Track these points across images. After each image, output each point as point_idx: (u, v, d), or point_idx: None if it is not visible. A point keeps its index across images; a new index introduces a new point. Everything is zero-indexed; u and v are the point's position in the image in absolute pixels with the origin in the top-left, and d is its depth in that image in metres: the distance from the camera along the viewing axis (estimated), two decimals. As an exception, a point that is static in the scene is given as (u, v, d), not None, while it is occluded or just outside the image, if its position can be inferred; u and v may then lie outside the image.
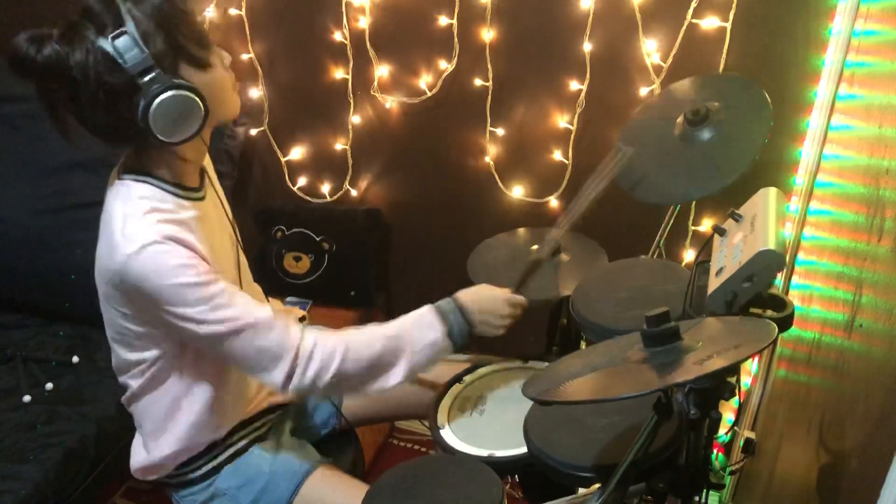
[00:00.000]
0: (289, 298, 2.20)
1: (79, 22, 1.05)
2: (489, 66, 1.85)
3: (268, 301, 1.46)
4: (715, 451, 1.01)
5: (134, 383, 1.26)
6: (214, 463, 1.33)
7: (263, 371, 1.16)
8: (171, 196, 1.16)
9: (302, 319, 1.55)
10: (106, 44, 1.03)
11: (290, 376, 1.16)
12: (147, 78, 1.04)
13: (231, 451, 1.34)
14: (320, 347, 1.18)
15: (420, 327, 1.25)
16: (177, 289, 1.09)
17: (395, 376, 1.23)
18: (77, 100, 1.07)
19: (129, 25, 1.03)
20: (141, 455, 1.32)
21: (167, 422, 1.28)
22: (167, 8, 1.07)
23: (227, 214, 1.34)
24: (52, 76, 1.05)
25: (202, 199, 1.24)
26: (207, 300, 1.11)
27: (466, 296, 1.30)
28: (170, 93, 1.05)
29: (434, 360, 1.27)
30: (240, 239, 1.38)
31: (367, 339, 1.22)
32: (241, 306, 1.14)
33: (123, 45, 1.03)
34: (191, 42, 1.09)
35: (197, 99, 1.08)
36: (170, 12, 1.07)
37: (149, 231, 1.09)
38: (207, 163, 1.35)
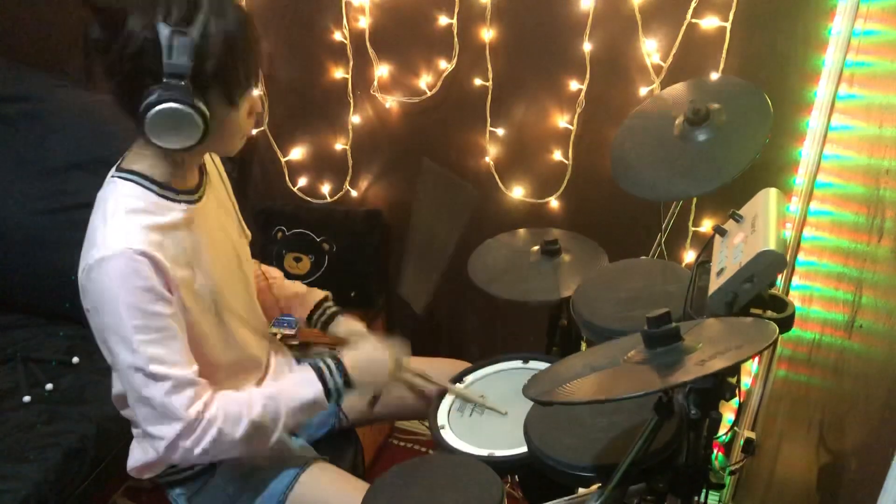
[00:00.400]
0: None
1: (150, 3, 1.05)
2: (489, 66, 1.85)
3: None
4: (715, 451, 1.01)
5: (120, 385, 1.25)
6: (208, 463, 1.33)
7: (158, 424, 1.13)
8: (156, 196, 1.15)
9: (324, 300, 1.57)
10: (165, 32, 1.03)
11: (175, 440, 1.13)
12: (173, 82, 1.05)
13: None
14: (217, 421, 1.15)
15: (299, 385, 1.25)
16: (127, 308, 1.08)
17: (276, 434, 1.22)
18: (109, 52, 1.07)
19: (195, 32, 1.04)
20: (137, 454, 1.32)
21: None
22: (238, 39, 1.08)
23: (236, 212, 1.35)
24: (105, 19, 1.06)
25: (197, 200, 1.23)
26: (149, 331, 1.10)
27: (351, 360, 1.29)
28: (181, 106, 1.05)
29: (311, 416, 1.30)
30: (247, 231, 1.39)
31: (246, 401, 1.20)
32: (174, 354, 1.13)
33: (179, 44, 1.03)
34: (236, 78, 1.10)
35: (201, 125, 1.07)
36: (237, 44, 1.08)
37: (127, 238, 1.08)
38: (217, 163, 1.35)
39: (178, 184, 1.19)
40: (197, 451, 1.14)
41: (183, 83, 1.05)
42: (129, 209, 1.12)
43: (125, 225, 1.10)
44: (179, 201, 1.19)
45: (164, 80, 1.05)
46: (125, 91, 1.09)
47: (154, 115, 1.05)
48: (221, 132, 1.14)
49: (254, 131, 2.16)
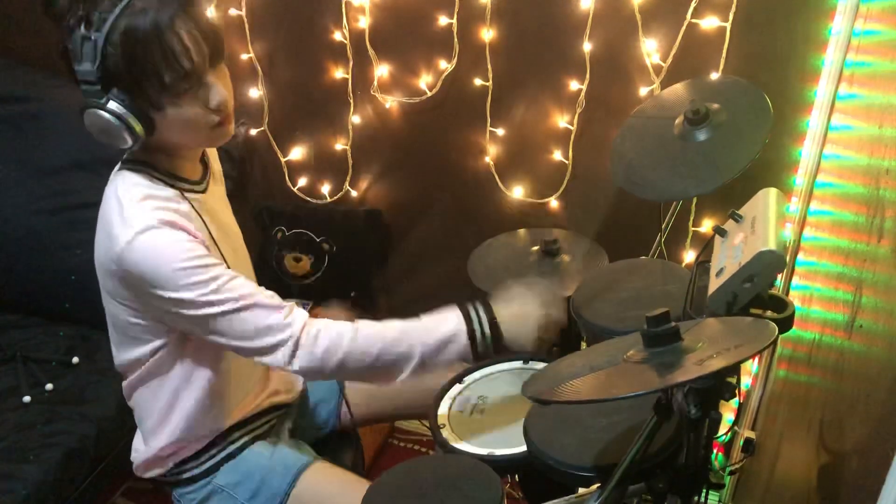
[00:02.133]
0: (289, 300, 2.19)
1: (79, 2, 1.04)
2: (489, 66, 1.85)
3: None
4: (715, 451, 1.01)
5: (134, 374, 1.27)
6: (213, 461, 1.33)
7: (266, 351, 1.13)
8: (166, 186, 1.17)
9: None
10: (76, 37, 1.03)
11: (293, 354, 1.13)
12: (88, 87, 1.05)
13: (230, 449, 1.34)
14: (327, 329, 1.16)
15: (438, 322, 1.19)
16: (174, 272, 1.08)
17: (405, 369, 1.18)
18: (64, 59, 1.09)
19: (100, 35, 1.01)
20: (141, 449, 1.32)
21: (167, 413, 1.28)
22: (144, 38, 1.02)
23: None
24: (56, 24, 1.06)
25: (203, 191, 1.24)
26: (207, 283, 1.10)
27: (503, 309, 1.21)
28: (94, 111, 1.05)
29: (449, 359, 1.20)
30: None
31: (381, 326, 1.19)
32: (243, 287, 1.13)
33: (86, 48, 1.02)
34: (152, 76, 1.05)
35: (121, 126, 1.06)
36: (144, 43, 1.02)
37: (145, 216, 1.09)
38: (214, 159, 1.36)
39: (184, 173, 1.20)
40: (317, 352, 1.14)
41: (94, 88, 1.04)
42: (142, 196, 1.13)
43: (143, 207, 1.11)
44: (187, 190, 1.20)
45: (81, 87, 1.05)
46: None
47: (85, 121, 1.07)
48: (173, 128, 1.12)
49: (254, 131, 2.16)
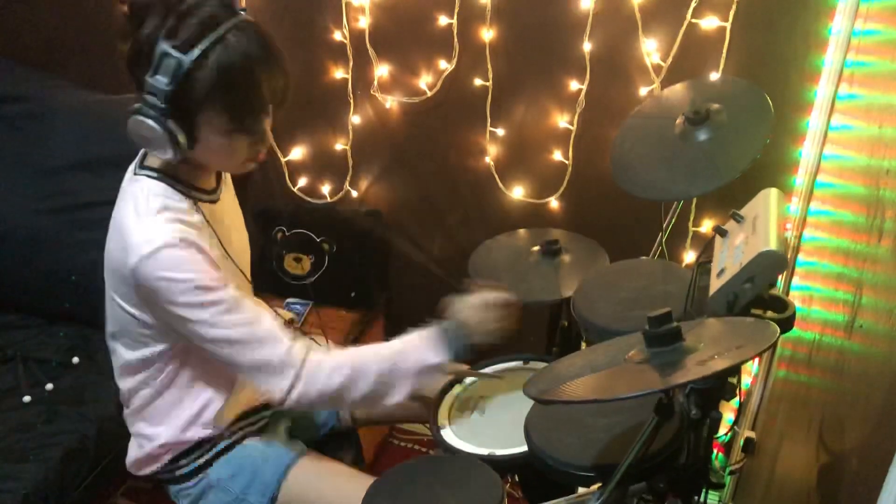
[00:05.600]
0: (289, 300, 2.20)
1: (170, 13, 1.05)
2: (489, 66, 1.85)
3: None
4: (715, 451, 1.01)
5: (134, 374, 1.27)
6: (207, 456, 1.34)
7: (264, 383, 1.17)
8: (182, 196, 1.18)
9: (290, 322, 1.56)
10: (160, 49, 1.03)
11: (289, 391, 1.17)
12: (150, 98, 1.05)
13: (224, 444, 1.35)
14: (326, 365, 1.19)
15: (424, 350, 1.24)
16: (191, 291, 1.11)
17: (395, 396, 1.23)
18: (126, 43, 1.09)
19: (185, 58, 1.03)
20: (135, 447, 1.33)
21: (165, 413, 1.29)
22: (239, 74, 1.06)
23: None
24: (130, 12, 1.07)
25: (216, 200, 1.26)
26: (218, 303, 1.12)
27: (463, 312, 1.27)
28: (148, 121, 1.06)
29: (435, 381, 1.30)
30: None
31: (371, 358, 1.22)
32: (249, 313, 1.16)
33: (166, 64, 1.03)
34: (229, 112, 1.08)
35: (169, 142, 1.07)
36: (236, 79, 1.06)
37: (164, 231, 1.11)
38: None
39: (198, 182, 1.21)
40: (312, 392, 1.17)
41: (159, 102, 1.05)
42: (160, 207, 1.14)
43: (160, 221, 1.12)
44: (201, 200, 1.21)
45: (144, 94, 1.06)
46: (136, 86, 1.10)
47: (131, 122, 1.08)
48: (210, 153, 1.14)
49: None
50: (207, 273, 1.12)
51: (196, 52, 1.03)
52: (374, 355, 1.22)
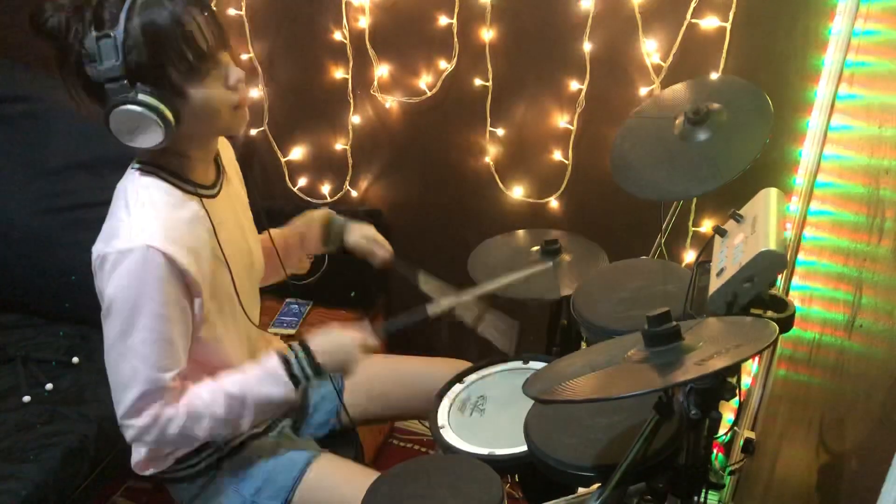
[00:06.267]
0: (289, 300, 2.20)
1: (84, 6, 1.06)
2: (489, 66, 1.85)
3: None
4: (715, 451, 1.01)
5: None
6: (213, 459, 1.33)
7: (128, 418, 1.17)
8: (176, 190, 1.18)
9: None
10: (90, 40, 1.05)
11: (139, 436, 1.18)
12: (114, 85, 1.06)
13: (229, 446, 1.34)
14: (178, 419, 1.18)
15: (267, 384, 1.24)
16: (134, 304, 1.11)
17: (244, 426, 1.26)
18: (63, 68, 1.11)
19: (118, 31, 1.04)
20: (140, 449, 1.32)
21: None
22: (167, 25, 1.06)
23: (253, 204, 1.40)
24: (55, 44, 1.09)
25: (214, 195, 1.25)
26: (148, 330, 1.12)
27: (318, 346, 1.27)
28: (125, 107, 1.06)
29: (281, 409, 1.36)
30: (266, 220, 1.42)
31: (210, 400, 1.21)
32: (163, 357, 1.15)
33: (105, 47, 1.04)
34: (178, 63, 1.08)
35: (154, 117, 1.07)
36: (167, 31, 1.06)
37: (150, 235, 1.10)
38: (229, 160, 1.37)
39: (196, 177, 1.21)
40: (162, 443, 1.22)
41: (120, 84, 1.05)
42: (152, 202, 1.14)
43: (148, 219, 1.12)
44: (198, 195, 1.20)
45: (106, 87, 1.06)
46: (96, 103, 1.11)
47: (112, 122, 1.08)
48: (198, 115, 1.13)
49: (254, 131, 2.16)
50: (159, 295, 1.11)
51: (121, 23, 1.04)
52: (214, 395, 1.21)
